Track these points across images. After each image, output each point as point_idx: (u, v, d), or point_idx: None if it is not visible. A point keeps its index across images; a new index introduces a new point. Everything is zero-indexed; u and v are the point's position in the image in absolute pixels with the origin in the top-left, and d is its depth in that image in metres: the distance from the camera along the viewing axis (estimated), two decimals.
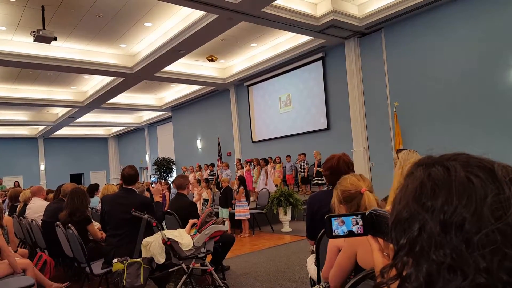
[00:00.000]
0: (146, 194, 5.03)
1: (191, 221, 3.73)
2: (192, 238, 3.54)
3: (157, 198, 4.04)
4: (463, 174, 0.51)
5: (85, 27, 9.32)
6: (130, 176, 3.75)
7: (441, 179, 0.52)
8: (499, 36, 7.65)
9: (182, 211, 4.14)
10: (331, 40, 10.14)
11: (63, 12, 8.39)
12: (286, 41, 11.21)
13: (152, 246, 3.42)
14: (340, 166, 2.54)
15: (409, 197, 0.54)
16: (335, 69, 10.97)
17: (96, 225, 4.24)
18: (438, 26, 8.57)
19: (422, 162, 0.58)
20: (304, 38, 10.49)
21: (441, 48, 8.56)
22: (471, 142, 8.07)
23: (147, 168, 21.89)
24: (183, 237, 3.49)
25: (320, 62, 11.38)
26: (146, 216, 3.42)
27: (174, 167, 18.11)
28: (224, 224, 3.74)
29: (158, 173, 17.85)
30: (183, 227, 3.90)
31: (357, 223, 0.82)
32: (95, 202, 6.36)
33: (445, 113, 8.52)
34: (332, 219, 0.83)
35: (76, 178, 23.82)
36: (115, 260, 3.27)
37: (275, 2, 8.01)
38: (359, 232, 0.81)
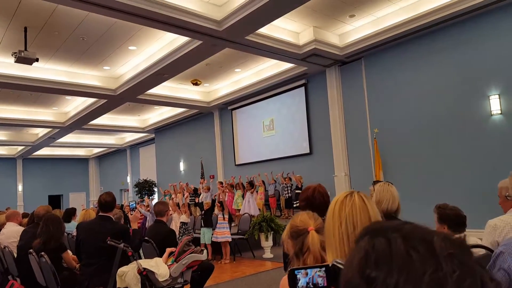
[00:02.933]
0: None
1: (168, 250, 3.67)
2: (169, 268, 3.48)
3: (135, 225, 3.97)
4: (403, 248, 0.52)
5: (68, 49, 9.31)
6: (106, 203, 3.70)
7: (383, 252, 0.53)
8: (475, 68, 7.98)
9: (160, 239, 4.08)
10: (313, 67, 10.40)
11: (46, 33, 8.39)
12: (269, 67, 11.42)
13: (128, 276, 3.34)
14: (315, 197, 2.57)
15: (355, 267, 0.55)
16: (317, 95, 11.20)
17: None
18: (416, 56, 8.91)
19: (368, 231, 0.59)
20: (287, 65, 10.71)
21: (419, 77, 8.87)
22: (447, 169, 8.28)
23: (128, 190, 21.50)
24: (160, 267, 3.43)
25: (303, 88, 11.61)
26: (122, 245, 3.35)
27: (155, 189, 17.84)
28: (202, 253, 3.70)
29: (139, 195, 17.54)
30: (161, 255, 3.84)
31: (321, 275, 0.81)
32: (72, 227, 6.20)
33: (423, 140, 8.74)
34: (296, 271, 0.82)
35: (55, 199, 23.09)
36: None
37: (259, 30, 8.22)
38: (323, 284, 0.81)
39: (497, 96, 7.69)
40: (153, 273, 3.36)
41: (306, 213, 1.80)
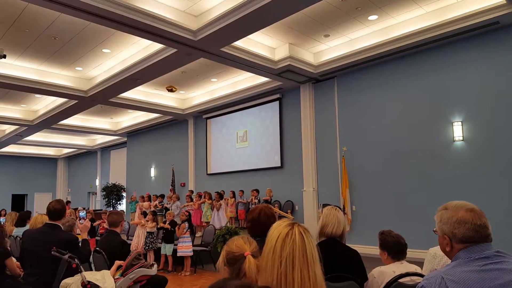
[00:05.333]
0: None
1: (117, 263, 3.59)
2: (115, 282, 3.40)
3: (84, 235, 3.87)
4: None
5: (39, 48, 9.08)
6: (56, 210, 3.59)
7: None
8: (441, 94, 8.26)
9: (112, 250, 3.98)
10: (287, 83, 10.52)
11: (17, 30, 8.15)
12: (245, 80, 11.48)
13: None
14: (260, 218, 2.60)
15: None
16: (290, 110, 11.32)
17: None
18: (387, 79, 9.15)
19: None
20: (262, 79, 10.79)
21: (388, 100, 9.11)
22: (410, 192, 8.49)
23: (96, 194, 20.96)
24: (106, 281, 3.34)
25: (277, 102, 11.72)
26: (67, 256, 3.25)
27: (124, 194, 17.45)
28: (152, 268, 3.63)
29: (106, 199, 17.10)
30: (111, 267, 3.74)
31: None
32: None
33: (388, 161, 8.95)
34: None
35: (19, 199, 22.37)
36: None
37: (235, 43, 8.27)
38: None
39: (460, 123, 7.99)
40: (97, 286, 3.26)
41: (241, 237, 1.79)
